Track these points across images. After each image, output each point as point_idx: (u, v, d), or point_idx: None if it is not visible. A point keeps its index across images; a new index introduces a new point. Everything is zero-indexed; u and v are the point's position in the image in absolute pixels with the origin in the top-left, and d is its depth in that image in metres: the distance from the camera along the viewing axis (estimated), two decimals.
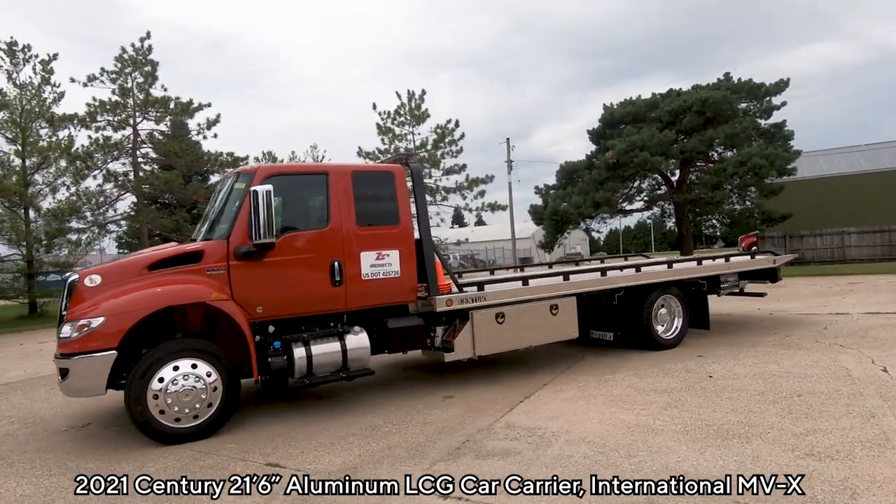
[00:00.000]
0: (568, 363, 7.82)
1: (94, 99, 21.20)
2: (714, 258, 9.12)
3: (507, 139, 41.71)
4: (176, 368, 5.22)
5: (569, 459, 4.38)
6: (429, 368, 7.94)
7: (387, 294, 6.39)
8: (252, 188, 5.43)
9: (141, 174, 22.76)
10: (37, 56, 23.08)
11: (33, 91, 23.73)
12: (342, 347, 6.00)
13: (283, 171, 6.21)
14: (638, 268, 8.01)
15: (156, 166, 24.63)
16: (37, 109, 23.39)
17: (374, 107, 31.73)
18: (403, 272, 6.44)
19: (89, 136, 21.76)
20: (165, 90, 21.85)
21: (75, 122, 20.84)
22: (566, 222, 23.52)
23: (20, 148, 22.97)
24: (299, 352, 5.79)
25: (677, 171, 25.71)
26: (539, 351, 8.68)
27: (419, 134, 31.95)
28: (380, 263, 6.32)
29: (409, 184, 6.96)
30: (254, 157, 33.28)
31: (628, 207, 27.91)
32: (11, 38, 23.12)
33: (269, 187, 5.43)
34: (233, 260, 5.62)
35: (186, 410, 5.23)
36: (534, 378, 7.08)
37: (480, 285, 6.91)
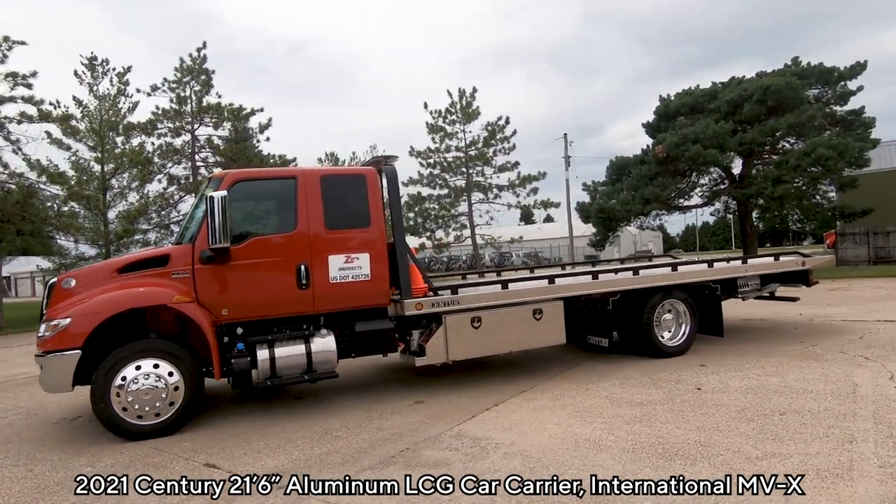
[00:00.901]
0: (560, 369, 7.52)
1: (157, 107, 22.56)
2: (729, 260, 8.48)
3: (565, 134, 40.77)
4: (138, 368, 5.46)
5: (494, 473, 4.20)
6: (419, 371, 7.87)
7: (357, 297, 6.38)
8: (209, 194, 5.57)
9: (199, 177, 24.02)
10: (114, 69, 24.88)
11: (110, 102, 25.62)
12: (307, 350, 6.05)
13: (252, 177, 6.33)
14: (635, 271, 7.57)
15: (216, 169, 25.96)
16: (113, 119, 25.22)
17: (426, 106, 31.95)
18: (374, 275, 6.41)
19: (152, 143, 23.21)
20: (220, 97, 22.98)
21: (138, 129, 22.20)
22: (613, 220, 22.65)
23: (99, 155, 24.87)
24: (262, 354, 5.90)
25: (740, 165, 24.23)
26: (536, 355, 8.43)
27: (470, 132, 31.89)
28: (349, 266, 6.32)
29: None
30: (317, 158, 34.34)
31: (686, 203, 26.59)
32: (91, 53, 25.05)
33: (224, 193, 5.56)
34: (198, 264, 5.80)
35: (147, 408, 5.46)
36: (514, 384, 6.86)
37: (454, 289, 6.77)
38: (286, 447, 5.11)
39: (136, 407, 5.42)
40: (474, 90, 31.77)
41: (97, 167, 25.35)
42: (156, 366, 5.52)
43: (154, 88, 23.07)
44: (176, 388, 5.58)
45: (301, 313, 6.20)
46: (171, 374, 5.56)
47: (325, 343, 6.14)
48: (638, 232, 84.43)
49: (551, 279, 7.15)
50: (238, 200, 6.08)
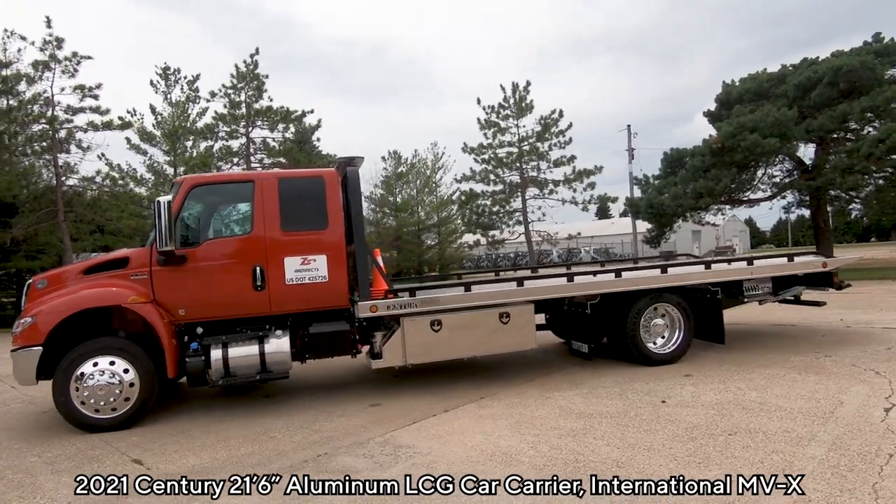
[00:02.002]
0: (535, 375, 7.22)
1: (216, 112, 23.82)
2: (731, 261, 7.79)
3: (628, 126, 39.18)
4: (95, 364, 5.76)
5: (391, 483, 4.09)
6: (397, 373, 7.80)
7: (314, 299, 6.42)
8: (157, 199, 5.77)
9: None
10: (184, 77, 26.45)
11: (181, 108, 27.30)
12: (260, 351, 6.15)
13: (209, 181, 6.51)
14: (618, 273, 7.12)
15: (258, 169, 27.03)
16: (183, 124, 26.85)
17: (479, 101, 31.69)
18: (332, 277, 6.42)
19: (210, 146, 24.50)
20: (271, 100, 23.89)
21: (199, 134, 23.53)
22: (663, 215, 21.44)
23: (171, 159, 26.59)
24: (216, 354, 6.06)
25: (813, 154, 22.28)
26: (521, 359, 8.16)
27: (524, 126, 31.33)
28: (305, 268, 6.36)
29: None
30: (381, 157, 35.01)
31: (753, 197, 24.80)
32: (165, 63, 26.83)
33: (168, 198, 5.75)
34: (155, 266, 6.04)
35: (102, 403, 5.75)
36: (479, 389, 6.66)
37: (412, 291, 6.65)
38: (217, 446, 5.23)
39: (93, 401, 5.73)
40: (528, 84, 31.22)
41: (170, 170, 27.15)
42: (112, 363, 5.81)
43: (213, 94, 24.32)
44: (131, 385, 5.84)
45: (258, 314, 6.31)
46: (126, 371, 5.83)
47: (279, 344, 6.22)
48: (722, 226, 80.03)
49: (520, 281, 6.86)
50: (197, 204, 6.28)
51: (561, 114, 30.28)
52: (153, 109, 25.91)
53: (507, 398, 6.25)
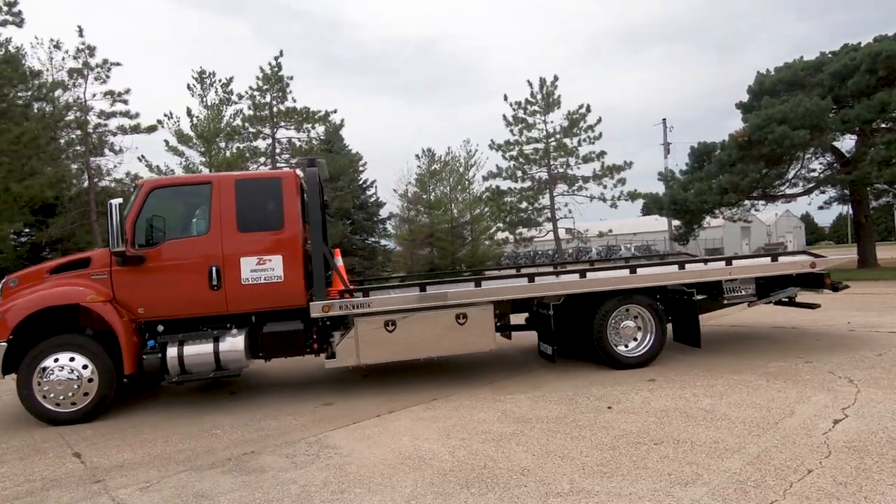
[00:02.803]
0: (500, 376, 7.12)
1: (242, 113, 24.49)
2: (707, 261, 7.45)
3: (664, 119, 38.11)
4: (56, 360, 6.03)
5: (290, 486, 4.12)
6: (366, 372, 7.83)
7: (270, 298, 6.51)
8: (109, 201, 5.98)
9: None
10: (219, 80, 27.22)
11: (215, 111, 28.17)
12: (215, 349, 6.29)
13: (168, 183, 6.70)
14: (582, 273, 6.93)
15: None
16: (218, 126, 27.67)
17: (506, 98, 31.40)
18: (287, 277, 6.50)
19: (238, 147, 25.18)
20: (294, 101, 24.36)
21: (224, 135, 24.23)
22: (687, 212, 20.67)
23: (206, 160, 27.50)
24: (171, 352, 6.23)
25: (853, 147, 21.08)
26: (494, 359, 8.06)
27: (552, 122, 30.87)
28: (261, 268, 6.46)
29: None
30: (414, 155, 35.34)
31: (790, 192, 23.67)
32: (200, 67, 27.68)
33: (119, 200, 5.94)
34: (115, 266, 6.26)
35: (62, 397, 6.01)
36: (434, 390, 6.62)
37: (366, 291, 6.66)
38: (158, 442, 5.38)
39: (52, 396, 5.99)
40: (555, 78, 30.75)
41: (205, 171, 28.05)
42: (72, 359, 6.06)
43: (240, 97, 24.98)
44: (90, 381, 6.08)
45: (215, 313, 6.45)
46: (85, 367, 6.07)
47: (233, 343, 6.35)
48: (774, 223, 76.74)
49: (478, 282, 6.77)
50: (156, 206, 6.47)
51: (588, 109, 29.71)
52: (189, 112, 26.82)
53: (458, 400, 6.18)
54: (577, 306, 7.03)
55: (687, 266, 7.15)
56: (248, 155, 25.89)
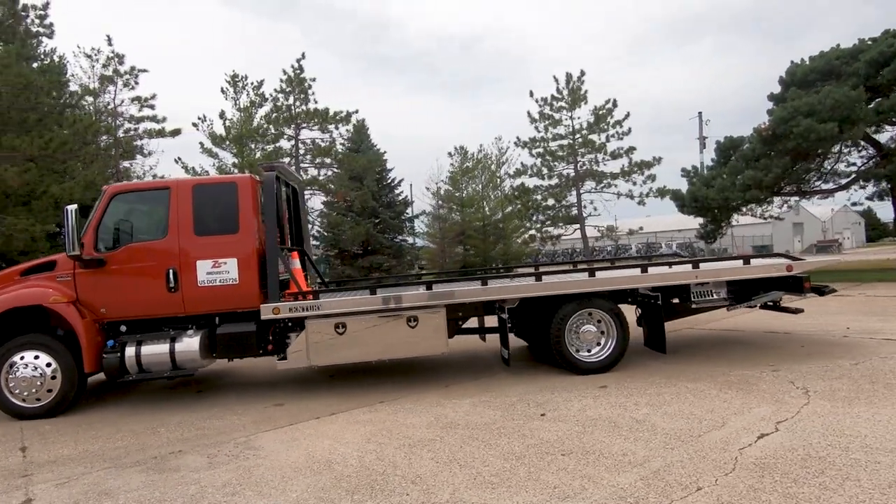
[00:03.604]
0: (459, 378, 7.08)
1: (264, 115, 25.08)
2: (672, 264, 7.18)
3: (699, 113, 36.81)
4: (22, 358, 6.36)
5: (191, 486, 4.23)
6: (332, 373, 7.93)
7: (226, 300, 6.67)
8: (65, 207, 6.25)
9: (304, 177, 26.22)
10: (251, 83, 27.94)
11: (248, 113, 28.97)
12: (171, 349, 6.50)
13: (130, 189, 6.94)
14: (538, 276, 6.80)
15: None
16: (249, 128, 28.44)
17: (531, 94, 31.01)
18: (242, 279, 6.64)
19: (263, 148, 25.80)
20: (315, 103, 24.79)
21: (248, 136, 24.89)
22: (709, 209, 19.90)
23: (238, 161, 28.33)
24: (129, 351, 6.47)
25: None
26: (464, 362, 8.03)
27: (578, 118, 30.32)
28: (216, 271, 6.63)
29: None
30: (447, 153, 35.47)
31: (827, 187, 22.53)
32: (233, 71, 28.53)
33: (75, 206, 6.19)
34: (78, 268, 6.55)
35: (26, 393, 6.34)
36: (388, 391, 6.66)
37: (316, 294, 6.73)
38: (101, 438, 5.61)
39: (18, 392, 6.33)
40: (582, 73, 30.16)
41: (236, 172, 28.89)
42: (36, 357, 6.38)
43: (265, 99, 25.59)
44: (53, 378, 6.39)
45: (173, 314, 6.66)
46: (49, 364, 6.39)
47: (189, 343, 6.54)
48: (830, 218, 73.01)
49: (429, 285, 6.75)
50: (118, 210, 6.73)
51: (615, 104, 29.01)
52: (222, 114, 27.58)
53: (402, 404, 6.19)
54: (535, 310, 6.92)
55: (650, 269, 6.91)
56: (274, 156, 26.52)
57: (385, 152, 32.74)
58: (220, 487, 4.18)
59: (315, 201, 29.01)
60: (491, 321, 7.67)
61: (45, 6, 17.74)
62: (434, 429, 5.23)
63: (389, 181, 36.48)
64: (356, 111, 25.74)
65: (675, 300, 7.09)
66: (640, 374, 6.72)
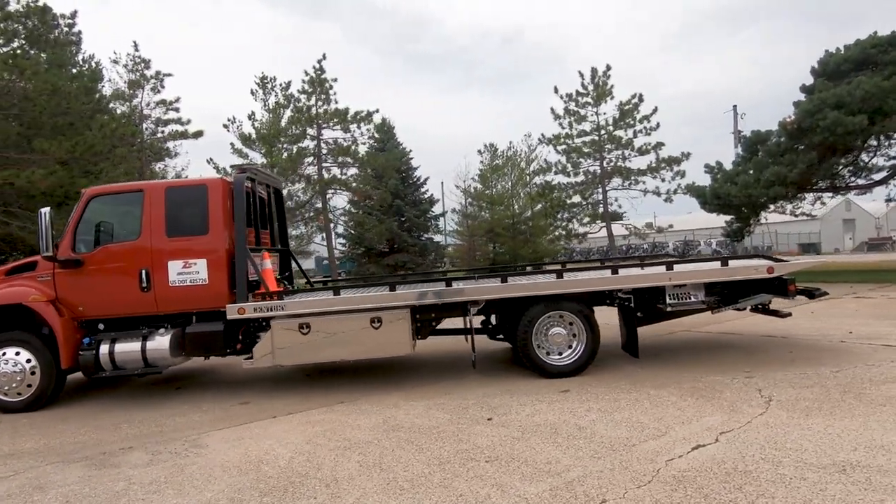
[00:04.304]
0: (426, 381, 7.05)
1: (286, 116, 25.55)
2: (643, 265, 6.94)
3: (734, 106, 35.52)
4: (3, 354, 6.66)
5: (120, 482, 4.35)
6: (308, 372, 8.01)
7: (196, 300, 6.82)
8: (39, 210, 6.49)
9: (326, 176, 26.61)
10: (279, 84, 28.45)
11: (276, 113, 29.56)
12: (142, 347, 6.70)
13: (106, 192, 7.16)
14: (503, 278, 6.70)
15: (335, 169, 28.20)
16: (278, 128, 28.99)
17: (556, 90, 30.58)
18: (212, 280, 6.79)
19: (287, 148, 26.28)
20: (336, 103, 25.11)
21: (271, 136, 25.39)
22: (729, 207, 19.16)
23: (266, 160, 28.97)
24: (103, 348, 6.69)
25: None
26: (440, 363, 7.99)
27: (604, 113, 29.74)
28: (187, 271, 6.79)
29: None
30: (476, 150, 35.48)
31: (863, 182, 21.45)
32: (262, 73, 29.11)
33: (47, 209, 6.43)
34: (58, 268, 6.81)
35: (7, 388, 6.64)
36: (352, 392, 6.68)
37: (281, 294, 6.80)
38: (66, 433, 5.82)
39: (0, 386, 6.63)
40: (608, 68, 29.60)
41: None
42: (17, 353, 6.68)
43: (288, 100, 26.06)
44: (33, 373, 6.68)
45: (147, 313, 6.86)
46: (28, 360, 6.67)
47: (159, 342, 6.72)
48: (884, 214, 69.44)
49: (392, 286, 6.73)
50: (95, 212, 6.96)
51: (641, 98, 28.37)
52: (251, 115, 28.16)
53: (360, 404, 6.20)
54: (507, 312, 6.82)
55: (620, 271, 6.71)
56: (298, 156, 26.98)
57: (410, 150, 32.85)
58: (147, 485, 4.27)
59: (338, 200, 29.40)
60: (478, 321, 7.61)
61: (73, 14, 18.50)
62: (377, 431, 5.22)
63: (415, 179, 36.64)
64: (377, 110, 25.99)
65: (653, 303, 6.85)
66: (608, 378, 6.55)
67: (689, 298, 6.90)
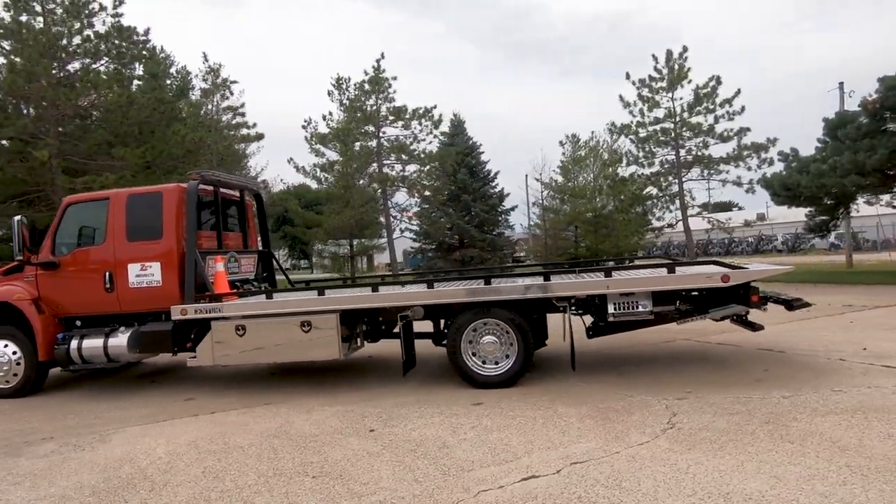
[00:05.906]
0: (366, 386, 7.03)
1: (346, 115, 26.37)
2: (579, 271, 6.39)
3: (840, 84, 31.50)
4: None
5: (11, 472, 4.77)
6: (280, 371, 8.25)
7: (152, 300, 7.27)
8: (13, 217, 7.21)
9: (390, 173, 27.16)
10: (354, 84, 29.30)
11: (351, 113, 30.63)
12: (104, 343, 7.27)
13: (80, 199, 7.80)
14: (430, 284, 6.50)
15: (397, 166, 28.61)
16: (350, 127, 30.04)
17: (628, 76, 28.95)
18: (165, 282, 7.21)
19: (353, 146, 27.13)
20: (393, 101, 25.53)
21: (333, 137, 26.33)
22: (797, 198, 17.09)
23: (341, 158, 30.19)
24: (73, 344, 7.33)
25: None
26: (389, 369, 7.93)
27: (679, 99, 27.75)
28: (144, 274, 7.27)
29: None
30: (558, 141, 34.81)
31: None
32: (338, 74, 30.32)
33: (19, 217, 7.13)
34: (40, 270, 7.56)
35: None
36: (286, 394, 6.84)
37: (219, 297, 7.05)
38: (11, 421, 6.39)
39: None
40: (684, 49, 27.59)
41: (339, 169, 30.76)
42: (6, 346, 7.50)
43: (349, 99, 26.89)
44: (18, 364, 7.47)
45: (112, 313, 7.42)
46: (14, 352, 7.48)
47: (119, 339, 7.26)
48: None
49: (321, 291, 6.76)
50: (71, 218, 7.63)
51: (719, 81, 26.13)
52: (327, 115, 29.24)
53: (279, 407, 6.31)
54: (437, 318, 6.64)
55: (552, 278, 6.27)
56: (362, 154, 27.79)
57: (481, 145, 32.54)
58: (23, 475, 4.65)
59: (399, 197, 29.79)
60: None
61: (147, 32, 20.20)
62: (260, 437, 5.29)
63: (485, 174, 36.39)
64: (434, 106, 26.05)
65: (602, 313, 6.34)
66: (537, 392, 6.16)
67: (637, 308, 6.30)
